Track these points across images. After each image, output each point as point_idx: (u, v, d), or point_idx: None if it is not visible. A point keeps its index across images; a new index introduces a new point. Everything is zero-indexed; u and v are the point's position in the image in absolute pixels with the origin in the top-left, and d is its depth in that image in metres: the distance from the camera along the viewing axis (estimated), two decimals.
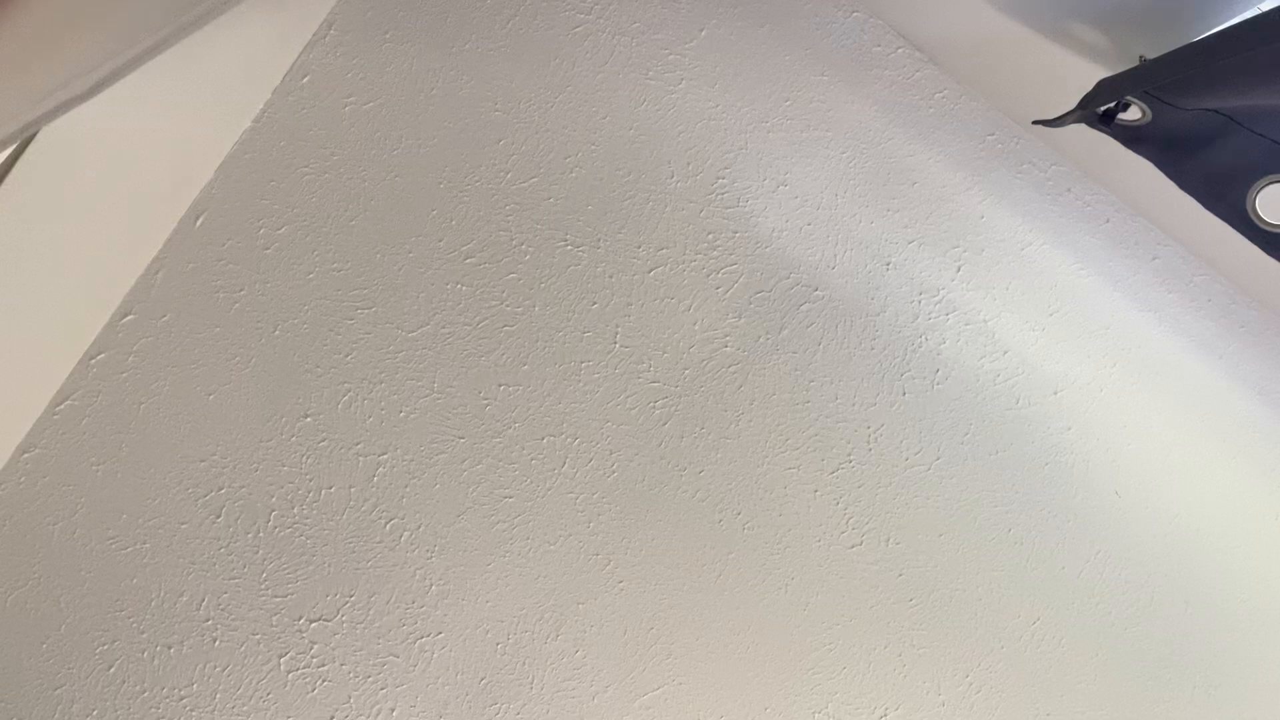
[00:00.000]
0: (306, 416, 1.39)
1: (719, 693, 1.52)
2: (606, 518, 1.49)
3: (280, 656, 1.39)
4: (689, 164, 1.51)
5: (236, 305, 1.36)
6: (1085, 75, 1.28)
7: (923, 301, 1.58)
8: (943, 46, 1.57)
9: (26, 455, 1.30)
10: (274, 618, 1.39)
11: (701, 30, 1.52)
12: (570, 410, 1.47)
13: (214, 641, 1.37)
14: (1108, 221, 1.65)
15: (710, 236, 1.52)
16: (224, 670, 1.38)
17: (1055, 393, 1.62)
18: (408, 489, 1.42)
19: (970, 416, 1.59)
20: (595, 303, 1.48)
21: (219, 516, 1.36)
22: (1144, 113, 1.22)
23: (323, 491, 1.39)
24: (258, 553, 1.38)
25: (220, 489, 1.36)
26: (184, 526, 1.35)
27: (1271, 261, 1.26)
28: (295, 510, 1.39)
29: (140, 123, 1.54)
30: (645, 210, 1.49)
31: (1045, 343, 1.62)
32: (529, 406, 1.45)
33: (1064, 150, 1.62)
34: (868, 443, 1.56)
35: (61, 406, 1.31)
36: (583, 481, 1.48)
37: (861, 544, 1.56)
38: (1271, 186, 1.20)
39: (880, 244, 1.57)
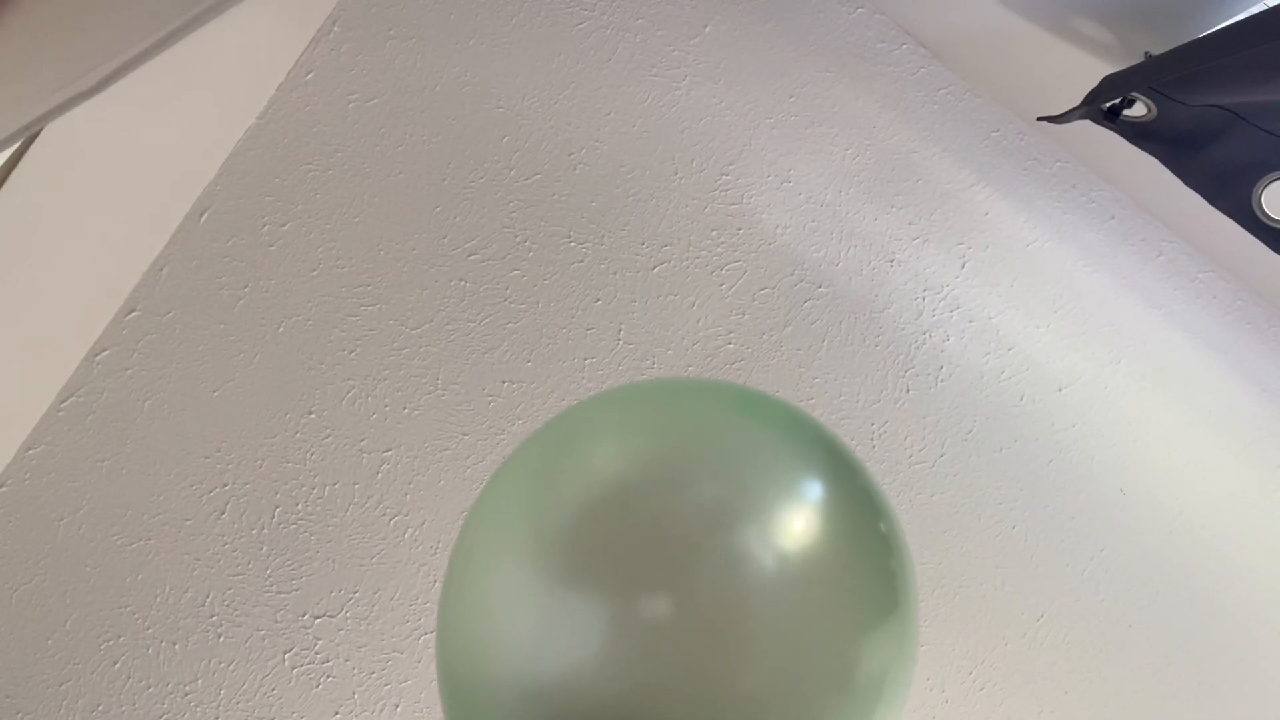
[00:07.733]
0: (311, 413, 1.39)
1: None
2: None
3: (285, 652, 1.40)
4: (693, 160, 1.51)
5: (241, 302, 1.36)
6: (1090, 71, 1.28)
7: (927, 298, 1.58)
8: (947, 42, 1.57)
9: (31, 452, 1.30)
10: (279, 614, 1.39)
11: (705, 27, 1.52)
12: None
13: (219, 638, 1.37)
14: (1112, 218, 1.64)
15: (714, 233, 1.51)
16: (229, 666, 1.38)
17: (1059, 390, 1.62)
18: (411, 485, 1.42)
19: (974, 414, 1.59)
20: (599, 299, 1.48)
21: (223, 513, 1.37)
22: (1149, 109, 1.21)
23: (327, 488, 1.40)
24: (262, 549, 1.38)
25: (224, 485, 1.37)
26: (188, 523, 1.36)
27: (1277, 257, 1.26)
28: (299, 507, 1.39)
29: (145, 120, 1.54)
30: (649, 207, 1.49)
31: (1049, 340, 1.62)
32: (533, 403, 1.45)
33: (1069, 147, 1.62)
34: (871, 440, 1.56)
35: (66, 403, 1.31)
36: None
37: None
38: (1278, 183, 1.19)
39: (884, 241, 1.57)
